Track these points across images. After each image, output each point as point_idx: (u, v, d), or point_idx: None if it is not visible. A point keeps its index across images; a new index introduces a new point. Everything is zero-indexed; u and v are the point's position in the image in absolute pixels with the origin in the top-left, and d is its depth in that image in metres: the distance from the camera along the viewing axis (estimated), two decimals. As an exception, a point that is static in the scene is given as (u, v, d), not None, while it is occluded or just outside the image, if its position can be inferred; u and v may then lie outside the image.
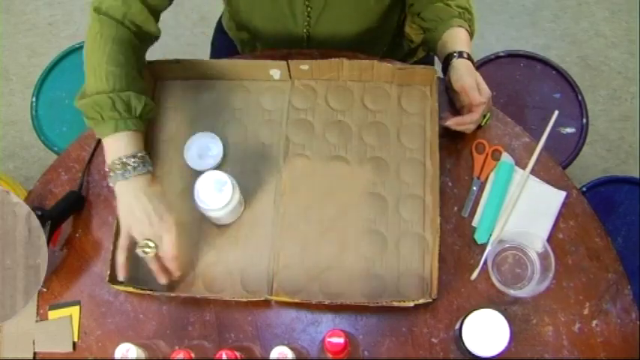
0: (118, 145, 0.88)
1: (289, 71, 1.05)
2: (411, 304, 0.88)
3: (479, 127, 1.00)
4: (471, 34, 1.03)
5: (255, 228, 0.98)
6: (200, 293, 0.95)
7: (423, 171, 0.99)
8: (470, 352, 0.83)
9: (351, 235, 0.97)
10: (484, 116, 0.98)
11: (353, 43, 1.10)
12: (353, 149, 1.02)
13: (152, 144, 1.05)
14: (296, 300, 0.91)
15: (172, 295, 0.93)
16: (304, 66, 1.03)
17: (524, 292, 0.91)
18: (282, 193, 1.00)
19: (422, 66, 1.02)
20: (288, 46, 1.12)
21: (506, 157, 1.00)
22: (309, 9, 1.05)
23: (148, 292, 0.93)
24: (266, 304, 0.94)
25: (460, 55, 0.96)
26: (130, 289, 0.92)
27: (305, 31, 1.10)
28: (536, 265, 0.93)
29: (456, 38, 0.99)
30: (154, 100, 1.06)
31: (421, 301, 0.87)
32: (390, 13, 1.10)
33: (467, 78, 0.94)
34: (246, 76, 1.07)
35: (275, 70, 1.05)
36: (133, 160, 0.86)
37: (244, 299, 0.92)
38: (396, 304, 0.89)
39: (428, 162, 1.00)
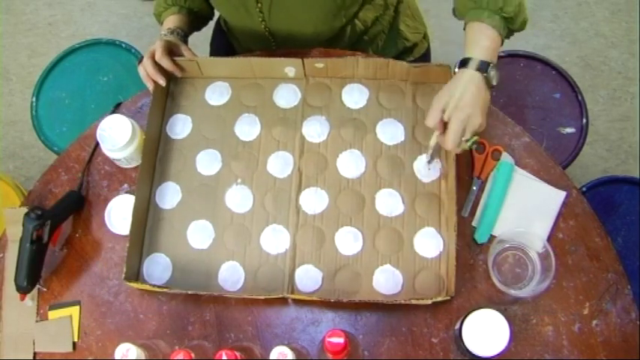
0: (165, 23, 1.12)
1: (304, 69, 1.05)
2: (429, 301, 0.88)
3: (469, 150, 0.91)
4: (505, 28, 0.89)
5: (271, 225, 0.98)
6: (216, 291, 0.95)
7: (439, 169, 0.99)
8: (470, 352, 0.83)
9: (367, 232, 0.97)
10: (469, 140, 0.88)
11: (318, 41, 1.10)
12: (368, 147, 1.02)
13: (166, 142, 1.06)
14: (314, 298, 0.91)
15: (190, 292, 0.92)
16: (319, 64, 1.03)
17: (525, 292, 0.91)
18: (298, 191, 1.00)
19: (437, 63, 1.01)
20: (259, 44, 1.15)
21: (506, 157, 1.00)
22: (259, 4, 1.04)
23: (165, 289, 0.93)
24: (271, 302, 0.94)
25: (462, 63, 0.88)
26: (147, 286, 0.92)
27: (264, 27, 1.10)
28: (537, 265, 0.93)
29: (469, 38, 0.90)
30: (169, 98, 1.09)
31: (439, 299, 0.87)
32: (349, 11, 1.08)
33: (439, 95, 0.88)
34: (260, 73, 1.07)
35: (290, 68, 1.05)
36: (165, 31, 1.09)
37: (262, 297, 0.92)
38: (414, 302, 0.89)
39: (444, 159, 0.99)
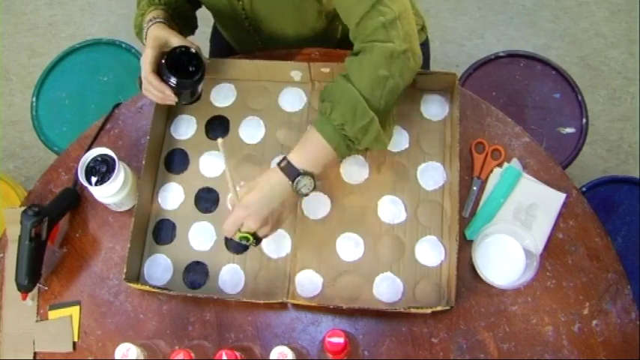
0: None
1: (310, 73, 1.04)
2: (429, 311, 0.88)
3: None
4: (345, 145, 0.86)
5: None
6: (215, 294, 0.95)
7: (442, 177, 0.99)
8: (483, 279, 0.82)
9: (369, 239, 0.97)
10: (245, 239, 0.86)
11: (302, 41, 1.09)
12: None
13: (170, 142, 1.06)
14: (313, 304, 0.91)
15: (189, 294, 0.93)
16: (325, 68, 1.03)
17: (511, 284, 0.90)
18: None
19: (443, 71, 1.01)
20: (246, 42, 1.14)
21: (515, 163, 1.00)
22: (241, 2, 1.02)
23: (165, 291, 0.93)
24: (271, 305, 0.94)
25: (283, 165, 0.86)
26: (147, 287, 0.92)
27: (247, 24, 1.09)
28: (522, 257, 0.92)
29: (301, 141, 0.88)
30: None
31: (439, 308, 0.87)
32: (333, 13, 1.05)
33: (243, 193, 0.86)
34: (266, 76, 1.07)
35: (296, 72, 1.05)
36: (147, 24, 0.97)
37: (262, 301, 0.92)
38: (414, 310, 0.89)
39: (447, 168, 0.99)
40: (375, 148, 0.89)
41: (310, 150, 0.86)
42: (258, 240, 0.88)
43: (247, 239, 0.86)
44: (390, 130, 0.90)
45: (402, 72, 0.85)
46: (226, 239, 0.98)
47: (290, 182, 0.85)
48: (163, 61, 0.92)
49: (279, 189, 0.85)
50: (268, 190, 0.85)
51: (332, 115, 0.84)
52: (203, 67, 0.96)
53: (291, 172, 0.85)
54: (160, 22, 0.96)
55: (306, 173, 0.85)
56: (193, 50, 0.94)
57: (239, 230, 0.86)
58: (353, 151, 0.89)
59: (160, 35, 0.94)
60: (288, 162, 0.85)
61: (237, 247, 0.97)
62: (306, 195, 0.88)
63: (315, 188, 0.87)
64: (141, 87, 0.96)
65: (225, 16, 1.10)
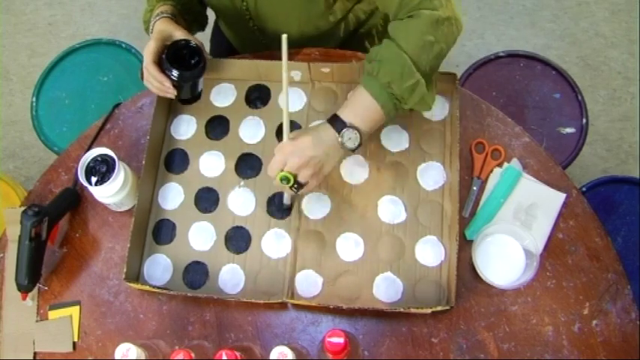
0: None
1: (310, 73, 1.04)
2: (429, 311, 0.88)
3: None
4: (392, 104, 0.87)
5: (273, 229, 0.98)
6: (215, 294, 0.95)
7: (442, 177, 0.99)
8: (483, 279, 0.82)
9: (369, 239, 0.97)
10: (285, 179, 0.86)
11: (306, 40, 1.10)
12: (372, 153, 1.02)
13: (170, 142, 1.06)
14: (313, 304, 0.91)
15: (189, 294, 0.93)
16: (325, 69, 1.03)
17: (511, 284, 0.90)
18: (301, 196, 0.99)
19: (443, 71, 0.99)
20: (249, 41, 1.14)
21: (515, 163, 1.00)
22: (245, 2, 1.04)
23: (165, 291, 0.93)
24: (271, 305, 0.94)
25: (331, 119, 0.88)
26: (147, 287, 0.92)
27: (252, 25, 1.09)
28: (522, 258, 0.92)
29: (349, 98, 0.90)
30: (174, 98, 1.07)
31: (439, 308, 0.87)
32: (338, 13, 1.08)
33: (292, 141, 0.86)
34: (266, 76, 1.07)
35: (296, 72, 1.04)
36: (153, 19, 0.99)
37: (262, 301, 0.92)
38: (414, 310, 0.89)
39: (447, 168, 0.99)
40: (420, 109, 0.91)
41: (358, 107, 0.88)
42: (299, 186, 0.88)
43: (288, 180, 0.86)
44: (433, 95, 0.91)
45: (447, 37, 0.88)
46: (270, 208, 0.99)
47: (337, 134, 0.87)
48: (165, 53, 0.93)
49: (326, 139, 0.87)
50: (316, 136, 0.87)
51: (379, 73, 0.86)
52: (204, 61, 0.96)
53: (337, 124, 0.87)
54: (167, 16, 0.97)
55: (352, 127, 0.87)
56: (194, 44, 0.95)
57: (281, 170, 0.86)
58: (399, 111, 0.89)
59: (164, 29, 0.95)
60: (336, 115, 0.88)
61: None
62: (353, 150, 0.88)
63: (360, 145, 0.88)
64: (142, 77, 0.97)
65: (230, 16, 1.11)
